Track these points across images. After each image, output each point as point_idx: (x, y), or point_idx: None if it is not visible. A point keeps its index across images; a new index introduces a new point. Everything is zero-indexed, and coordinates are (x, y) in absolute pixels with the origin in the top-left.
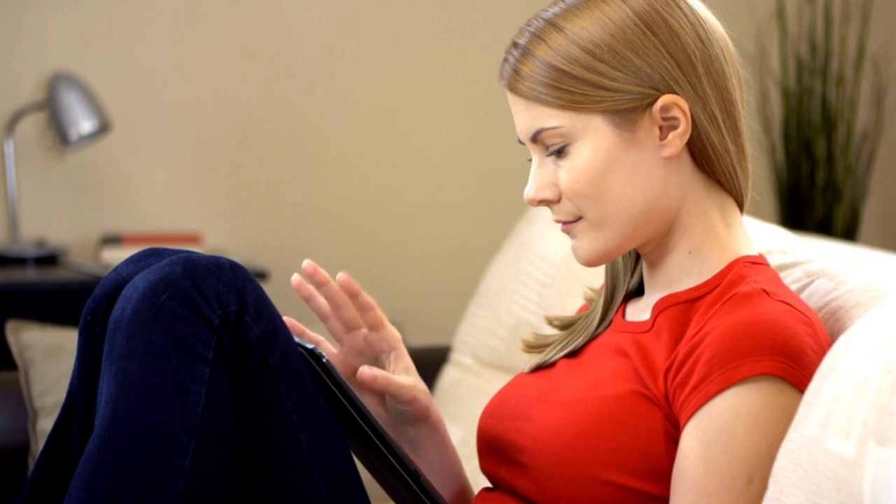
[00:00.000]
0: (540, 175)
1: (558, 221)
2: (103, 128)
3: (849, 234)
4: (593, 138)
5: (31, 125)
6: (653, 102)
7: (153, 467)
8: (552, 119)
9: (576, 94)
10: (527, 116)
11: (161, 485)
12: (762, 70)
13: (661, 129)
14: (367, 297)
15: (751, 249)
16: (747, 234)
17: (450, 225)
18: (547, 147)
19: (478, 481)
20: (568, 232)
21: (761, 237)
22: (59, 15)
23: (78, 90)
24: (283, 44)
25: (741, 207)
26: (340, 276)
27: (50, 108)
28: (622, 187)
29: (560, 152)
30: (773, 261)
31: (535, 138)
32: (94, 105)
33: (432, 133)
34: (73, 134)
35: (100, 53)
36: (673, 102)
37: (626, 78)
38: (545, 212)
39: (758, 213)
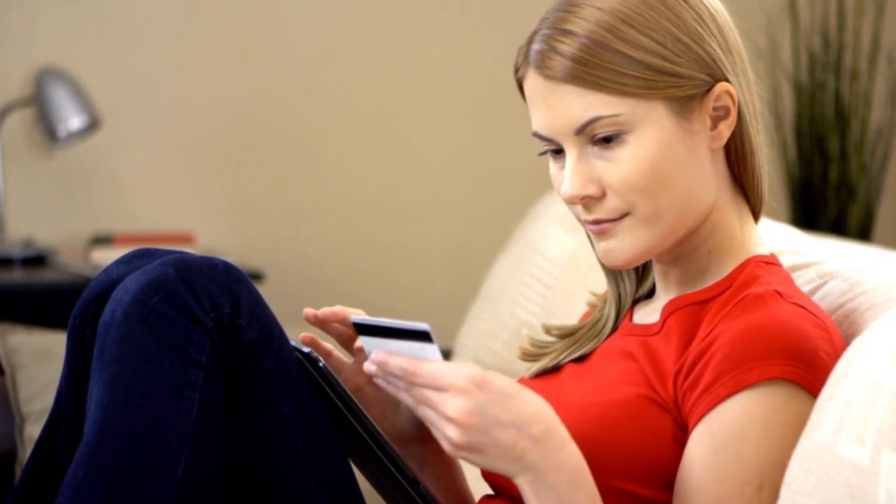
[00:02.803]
0: (581, 169)
1: (596, 221)
2: (93, 124)
3: (863, 233)
4: (654, 127)
5: (18, 121)
6: (709, 90)
7: (145, 475)
8: (611, 107)
9: (639, 80)
10: (574, 106)
11: (153, 492)
12: (773, 64)
13: (710, 118)
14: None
15: (763, 250)
16: (759, 235)
17: (450, 225)
18: (593, 137)
19: (479, 489)
20: (605, 232)
21: (773, 237)
22: (48, 8)
23: (66, 85)
24: (280, 39)
25: (756, 215)
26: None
27: (37, 103)
28: (678, 180)
29: (607, 143)
30: (785, 261)
31: (583, 129)
32: (84, 101)
33: (432, 132)
34: (62, 130)
35: (89, 47)
36: (726, 91)
37: (688, 63)
38: (550, 211)
39: (769, 213)
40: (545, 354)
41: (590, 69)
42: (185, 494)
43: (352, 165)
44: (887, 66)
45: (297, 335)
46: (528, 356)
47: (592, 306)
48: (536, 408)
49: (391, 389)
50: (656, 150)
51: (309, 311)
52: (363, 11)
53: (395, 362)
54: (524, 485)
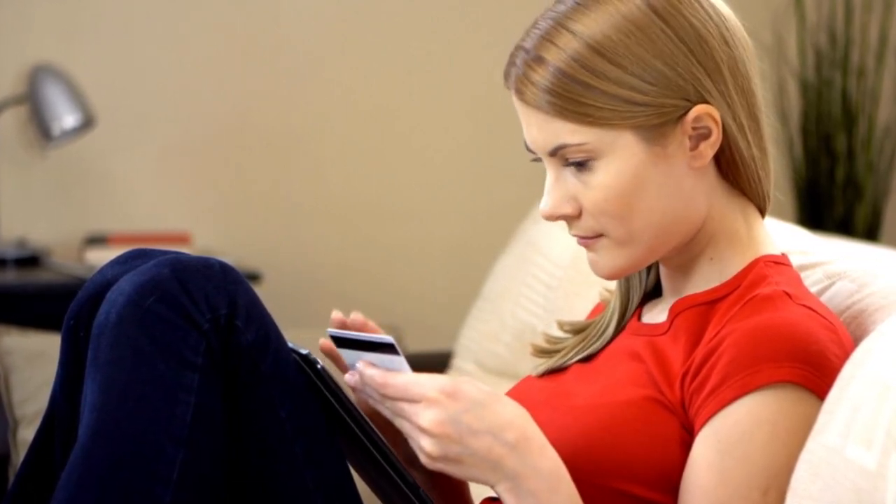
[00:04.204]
0: (558, 189)
1: (576, 236)
2: (87, 122)
3: (870, 233)
4: (622, 154)
5: (12, 120)
6: (684, 113)
7: (139, 479)
8: (576, 135)
9: (604, 110)
10: (545, 130)
11: (148, 497)
12: (779, 61)
13: (690, 138)
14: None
15: (773, 249)
16: (769, 233)
17: (451, 225)
18: (567, 160)
19: (481, 491)
20: (586, 246)
21: (779, 237)
22: (42, 4)
23: (60, 83)
24: (279, 38)
25: (762, 212)
26: (354, 315)
27: (31, 101)
28: (652, 204)
29: (582, 166)
30: (791, 261)
31: (555, 153)
32: (78, 99)
33: (432, 131)
34: (56, 129)
35: (84, 44)
36: (706, 112)
37: (658, 91)
38: None
39: (775, 212)
40: (557, 351)
41: (555, 99)
42: (181, 497)
43: (351, 165)
44: (895, 63)
45: (295, 337)
46: (541, 352)
47: (605, 301)
48: (511, 414)
49: (371, 402)
50: (624, 177)
51: (338, 315)
52: (362, 10)
53: (369, 373)
54: (504, 493)
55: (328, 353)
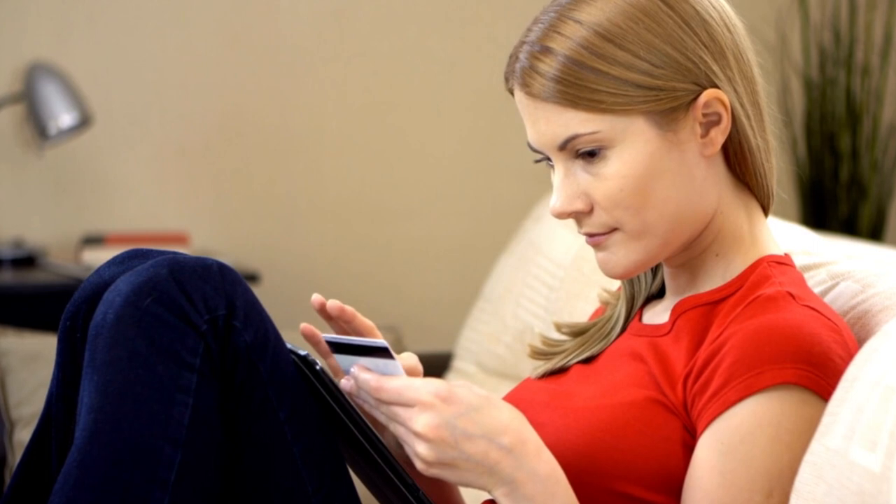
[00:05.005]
0: (568, 185)
1: (587, 234)
2: (84, 121)
3: (875, 233)
4: (635, 142)
5: (8, 119)
6: (695, 98)
7: (136, 481)
8: (588, 124)
9: (617, 96)
10: (554, 122)
11: (145, 498)
12: (783, 60)
13: (701, 125)
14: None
15: (776, 249)
16: (772, 233)
17: (451, 225)
18: (577, 153)
19: (480, 493)
20: (597, 244)
21: (782, 237)
22: (38, 1)
23: (57, 81)
24: (276, 34)
25: (766, 210)
26: (332, 303)
27: (27, 100)
28: (666, 192)
29: (592, 157)
30: (795, 262)
31: (565, 146)
32: (75, 97)
33: (432, 129)
34: (53, 128)
35: (81, 42)
36: (715, 97)
37: (669, 74)
38: None
39: (779, 212)
40: (556, 353)
41: (566, 88)
42: (179, 499)
43: (350, 164)
44: None
45: (294, 338)
46: (539, 354)
47: (605, 303)
48: (506, 418)
49: (366, 407)
50: (639, 165)
51: (318, 298)
52: (361, 10)
53: (363, 378)
54: (501, 497)
55: (309, 338)
